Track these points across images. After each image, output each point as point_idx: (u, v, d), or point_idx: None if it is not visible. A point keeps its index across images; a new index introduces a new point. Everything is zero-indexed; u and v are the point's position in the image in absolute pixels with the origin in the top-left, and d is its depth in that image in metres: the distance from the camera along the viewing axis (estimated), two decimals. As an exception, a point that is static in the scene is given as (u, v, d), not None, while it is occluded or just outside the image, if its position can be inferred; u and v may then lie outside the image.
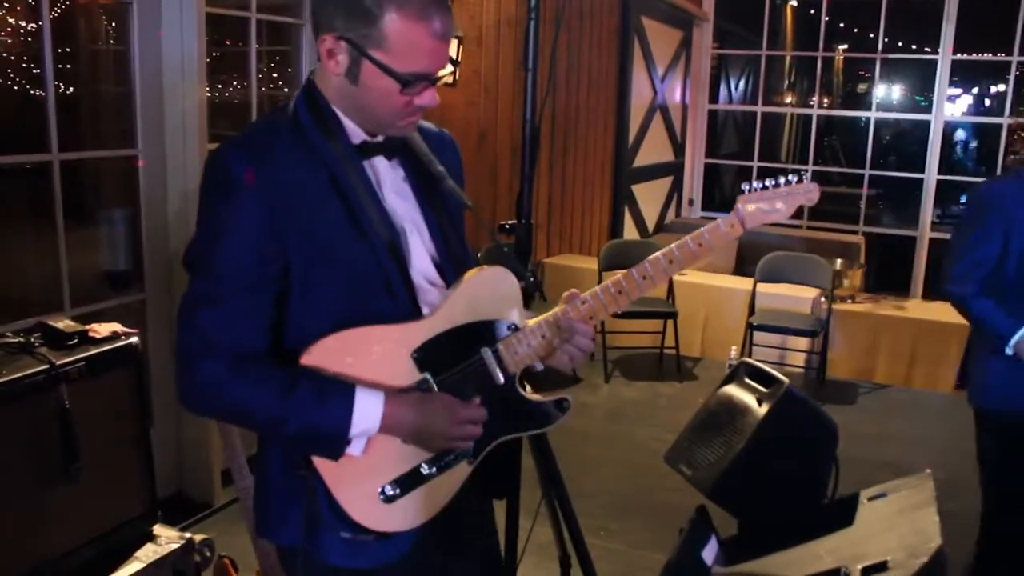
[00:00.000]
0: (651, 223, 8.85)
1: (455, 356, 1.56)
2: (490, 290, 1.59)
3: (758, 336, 5.80)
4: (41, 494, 2.07)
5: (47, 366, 2.04)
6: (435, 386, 1.54)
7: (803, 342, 5.94)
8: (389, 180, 1.59)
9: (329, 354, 1.48)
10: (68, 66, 3.51)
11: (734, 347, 5.66)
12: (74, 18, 3.60)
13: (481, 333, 1.58)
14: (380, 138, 1.56)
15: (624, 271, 1.64)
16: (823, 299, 5.99)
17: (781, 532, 2.44)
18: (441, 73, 1.50)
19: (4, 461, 1.99)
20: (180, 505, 3.65)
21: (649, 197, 8.76)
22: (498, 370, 1.59)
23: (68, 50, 3.51)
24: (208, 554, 2.51)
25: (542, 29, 2.67)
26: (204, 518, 3.60)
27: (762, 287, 5.94)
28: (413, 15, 1.41)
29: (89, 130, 3.72)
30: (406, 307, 1.54)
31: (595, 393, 5.61)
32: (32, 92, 3.29)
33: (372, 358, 1.50)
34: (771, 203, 1.66)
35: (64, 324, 2.20)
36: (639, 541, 3.66)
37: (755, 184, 1.66)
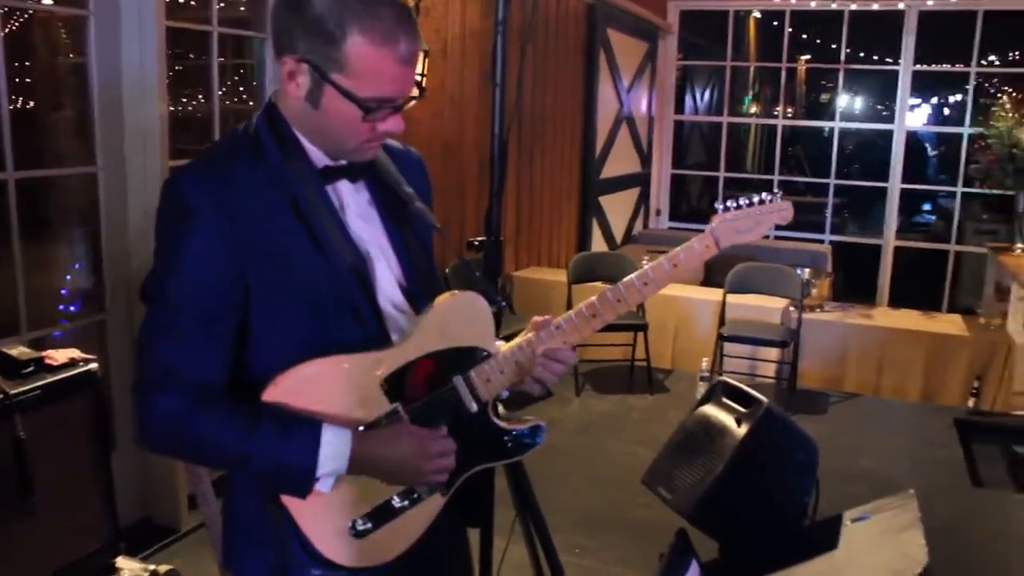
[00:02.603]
0: (619, 234, 8.85)
1: (426, 385, 1.51)
2: (461, 316, 1.54)
3: (729, 347, 5.80)
4: (-4, 528, 1.99)
5: (0, 396, 1.97)
6: (405, 416, 1.49)
7: (773, 352, 5.94)
8: (354, 203, 1.53)
9: (295, 386, 1.42)
10: (25, 80, 3.41)
11: (705, 358, 5.65)
12: (30, 31, 3.51)
13: (452, 360, 1.53)
14: (343, 161, 1.51)
15: (598, 293, 1.60)
16: (792, 309, 6.00)
17: (763, 556, 2.41)
18: (407, 97, 1.45)
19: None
20: (148, 531, 3.56)
21: (617, 208, 8.76)
22: (471, 398, 1.54)
23: (25, 64, 3.42)
24: (173, 585, 2.44)
25: (508, 41, 2.64)
26: (171, 543, 3.51)
27: (732, 298, 5.94)
28: (378, 39, 1.36)
29: (46, 147, 3.62)
30: (374, 334, 1.49)
31: (566, 407, 5.57)
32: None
33: (340, 388, 1.45)
34: (746, 222, 1.63)
35: (18, 351, 2.12)
36: (614, 558, 3.62)
37: (729, 203, 1.63)
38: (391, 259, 1.57)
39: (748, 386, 5.74)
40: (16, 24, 3.32)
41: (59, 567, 2.12)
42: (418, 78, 4.66)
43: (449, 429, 1.52)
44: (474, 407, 1.54)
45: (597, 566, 3.57)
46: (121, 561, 2.30)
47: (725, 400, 2.77)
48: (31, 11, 3.33)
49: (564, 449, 4.84)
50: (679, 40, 9.70)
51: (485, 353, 1.55)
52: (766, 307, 6.04)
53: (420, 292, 1.58)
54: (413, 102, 1.49)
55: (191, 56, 4.17)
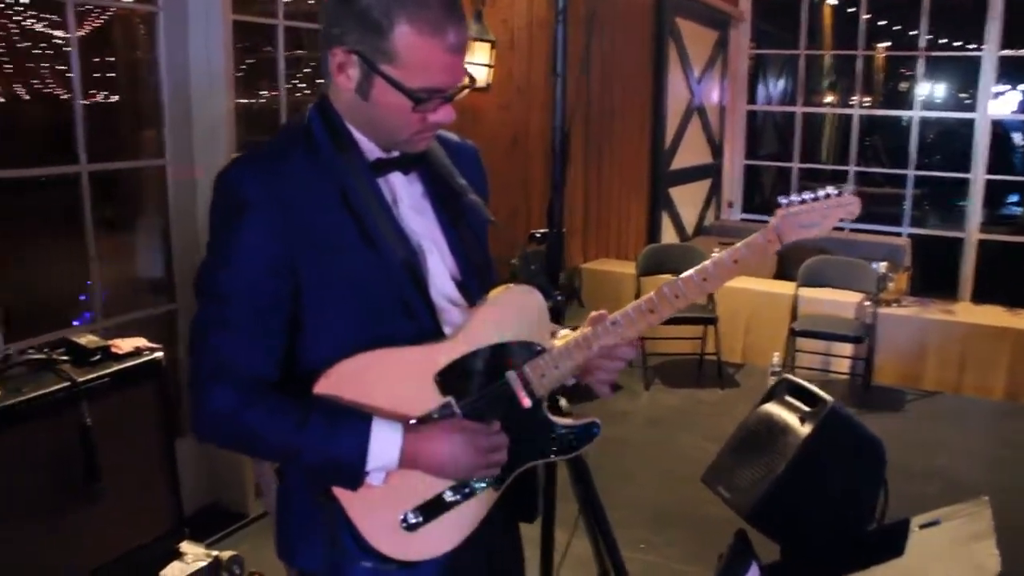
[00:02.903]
0: (690, 226, 8.73)
1: (479, 379, 1.49)
2: (516, 310, 1.51)
3: (801, 342, 5.67)
4: (63, 513, 2.03)
5: (68, 383, 2.01)
6: (458, 410, 1.47)
7: (847, 348, 5.78)
8: (406, 196, 1.52)
9: (346, 379, 1.42)
10: (97, 75, 3.49)
11: (776, 353, 5.53)
12: (102, 28, 3.59)
13: (507, 355, 1.50)
14: (395, 153, 1.49)
15: (656, 288, 1.56)
16: (868, 303, 5.83)
17: (825, 560, 2.33)
18: (458, 87, 1.42)
19: (26, 479, 1.96)
20: (215, 517, 3.63)
21: (687, 200, 8.64)
22: (524, 394, 1.51)
23: (98, 60, 3.50)
24: (238, 571, 2.47)
25: (572, 32, 2.61)
26: (238, 530, 3.56)
27: (804, 291, 5.80)
28: (425, 28, 1.34)
29: (118, 140, 3.70)
30: (427, 328, 1.48)
31: (635, 400, 5.52)
32: (61, 103, 3.27)
33: (392, 381, 1.44)
34: (810, 217, 1.57)
35: (87, 340, 2.17)
36: (679, 555, 3.57)
37: (794, 197, 1.58)
38: (444, 252, 1.55)
39: (821, 382, 5.66)
40: (90, 20, 3.39)
41: (124, 552, 2.17)
42: (483, 67, 4.67)
43: (502, 424, 1.49)
44: (528, 402, 1.51)
45: (661, 562, 3.52)
46: (185, 546, 2.33)
47: (788, 398, 2.68)
48: (103, 8, 3.40)
49: (632, 443, 4.79)
50: (752, 28, 9.51)
51: (540, 348, 1.52)
52: (840, 301, 5.89)
53: (474, 285, 1.56)
54: (465, 92, 1.47)
55: (259, 49, 4.22)
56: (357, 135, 1.47)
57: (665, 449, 4.75)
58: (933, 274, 8.87)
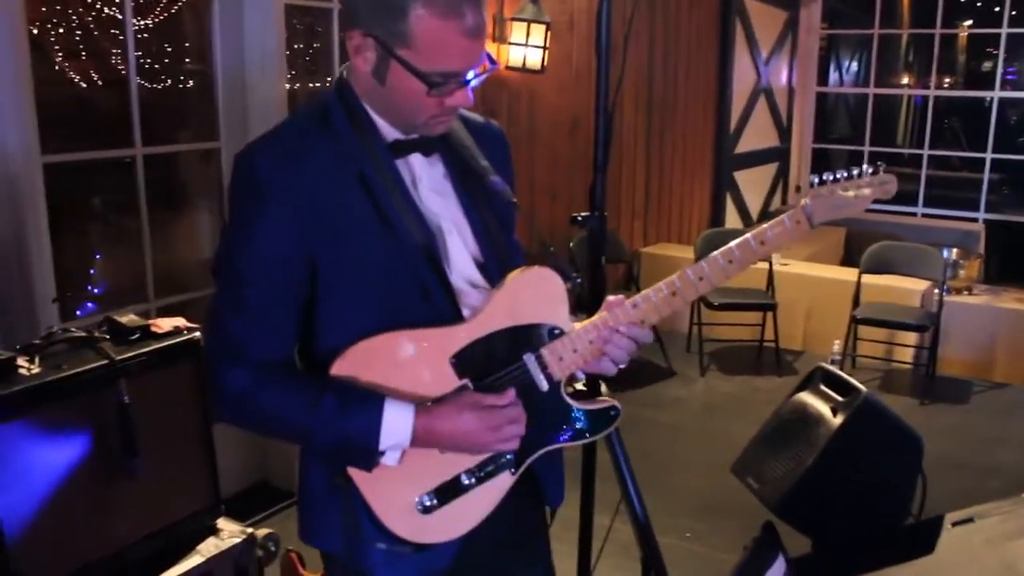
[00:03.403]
0: (755, 211, 8.57)
1: (496, 362, 1.47)
2: (533, 292, 1.49)
3: (863, 330, 5.52)
4: (101, 488, 2.09)
5: (106, 361, 2.05)
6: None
7: (911, 337, 5.61)
8: (427, 177, 1.51)
9: (362, 360, 1.42)
10: (150, 62, 3.56)
11: (837, 341, 5.40)
12: (158, 13, 3.65)
13: (524, 337, 1.48)
14: (414, 135, 1.48)
15: (679, 271, 1.53)
16: (935, 291, 5.65)
17: (855, 555, 2.26)
18: (476, 71, 1.41)
19: (65, 455, 2.01)
20: (265, 494, 3.69)
21: (753, 184, 8.48)
22: (542, 376, 1.49)
23: (152, 47, 3.56)
24: (272, 548, 2.50)
25: (636, 14, 2.55)
26: (285, 508, 3.62)
27: (868, 278, 5.64)
28: (441, 11, 1.32)
29: (172, 124, 3.77)
30: (445, 310, 1.47)
31: (690, 387, 5.45)
32: (116, 87, 3.34)
33: (408, 363, 1.44)
34: (843, 197, 1.52)
35: (128, 319, 2.21)
36: (724, 544, 3.50)
37: (826, 176, 1.53)
38: (466, 234, 1.54)
39: (884, 371, 5.52)
40: (147, 7, 3.45)
41: (161, 527, 2.21)
42: (538, 49, 4.63)
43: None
44: (545, 385, 1.50)
45: (705, 551, 3.47)
46: (222, 522, 2.37)
47: (823, 387, 2.60)
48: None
49: (686, 430, 4.74)
50: (823, 7, 9.26)
51: (558, 331, 1.50)
52: (906, 288, 5.71)
53: (497, 267, 1.55)
54: (484, 76, 1.45)
55: (313, 31, 4.25)
56: (376, 117, 1.46)
57: (717, 437, 4.67)
58: (1012, 262, 8.57)
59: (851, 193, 1.52)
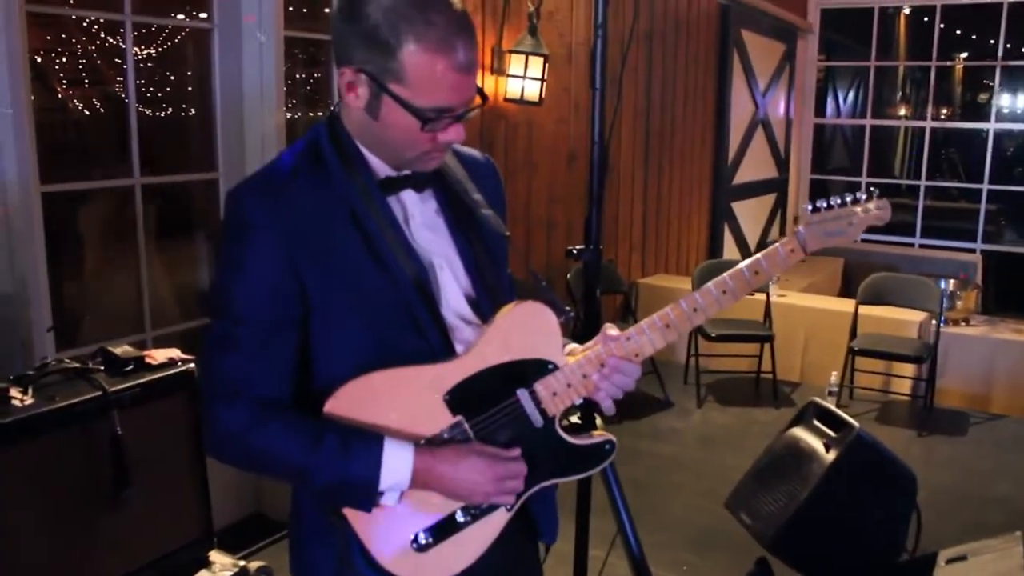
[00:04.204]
0: (752, 241, 8.59)
1: (490, 398, 1.46)
2: (525, 327, 1.48)
3: (860, 361, 5.52)
4: (93, 519, 2.07)
5: (99, 392, 2.05)
6: (470, 430, 1.45)
7: (909, 368, 5.60)
8: (419, 214, 1.50)
9: (356, 397, 1.41)
10: (150, 91, 3.58)
11: (835, 372, 5.39)
12: (159, 44, 3.68)
13: (517, 373, 1.47)
14: (406, 171, 1.49)
15: (673, 303, 1.52)
16: (932, 322, 5.65)
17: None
18: (468, 106, 1.41)
19: (56, 486, 2.00)
20: (260, 526, 3.67)
21: (751, 214, 8.51)
22: (536, 412, 1.48)
23: (152, 76, 3.59)
24: (265, 581, 2.48)
25: (633, 47, 2.58)
26: (279, 540, 3.59)
27: (865, 310, 5.64)
28: (433, 46, 1.32)
29: (171, 153, 3.79)
30: (437, 346, 1.46)
31: (687, 418, 5.43)
32: (114, 117, 3.36)
33: (402, 401, 1.43)
34: (837, 224, 1.52)
35: (122, 350, 2.21)
36: (721, 579, 3.49)
37: (820, 203, 1.53)
38: (458, 269, 1.53)
39: (881, 403, 5.50)
40: (148, 38, 3.48)
41: (153, 559, 2.20)
42: (536, 81, 4.65)
43: (514, 443, 1.47)
44: (540, 421, 1.49)
45: (703, 585, 3.45)
46: (214, 555, 2.36)
47: (816, 422, 2.58)
48: (159, 25, 3.49)
49: (682, 462, 4.71)
50: (820, 39, 9.34)
51: (551, 365, 1.49)
52: (903, 320, 5.70)
53: (489, 302, 1.54)
54: (476, 111, 1.46)
55: (310, 64, 4.28)
56: (367, 153, 1.46)
57: (714, 469, 4.65)
58: (1009, 293, 8.57)
59: (846, 220, 1.52)
